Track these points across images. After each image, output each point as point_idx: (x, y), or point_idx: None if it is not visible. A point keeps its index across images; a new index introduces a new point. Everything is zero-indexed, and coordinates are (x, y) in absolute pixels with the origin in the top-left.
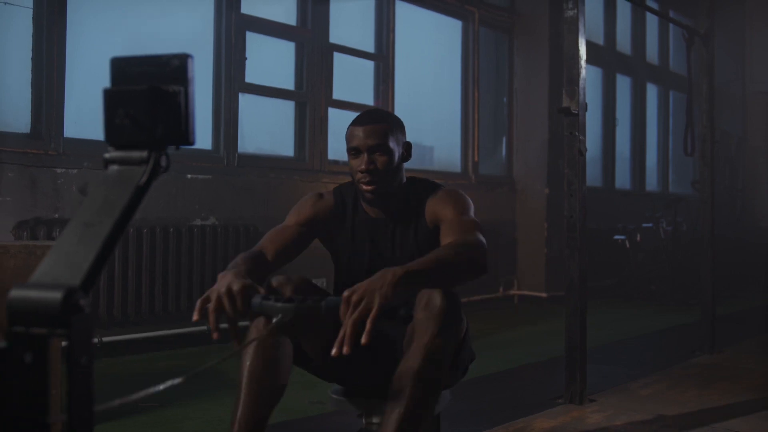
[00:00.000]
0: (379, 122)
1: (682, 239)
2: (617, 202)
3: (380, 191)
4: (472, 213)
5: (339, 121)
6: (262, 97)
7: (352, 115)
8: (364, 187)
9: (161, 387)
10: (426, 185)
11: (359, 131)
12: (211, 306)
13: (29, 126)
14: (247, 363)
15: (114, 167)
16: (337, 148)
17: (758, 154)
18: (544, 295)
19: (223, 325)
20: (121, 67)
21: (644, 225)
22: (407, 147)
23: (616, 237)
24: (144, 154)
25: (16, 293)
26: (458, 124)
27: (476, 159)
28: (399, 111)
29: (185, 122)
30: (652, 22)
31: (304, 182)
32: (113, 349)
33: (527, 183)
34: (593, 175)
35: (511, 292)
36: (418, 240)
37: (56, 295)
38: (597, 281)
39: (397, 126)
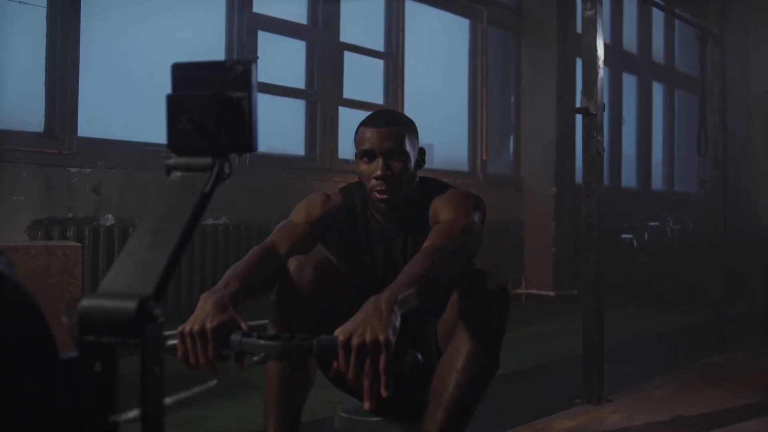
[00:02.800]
0: (394, 124)
1: (687, 238)
2: (623, 201)
3: (394, 200)
4: (475, 216)
5: (349, 120)
6: (273, 96)
7: (363, 114)
8: (378, 195)
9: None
10: (434, 185)
11: (373, 133)
12: (179, 351)
13: (43, 125)
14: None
15: (177, 174)
16: (347, 148)
17: (760, 154)
18: (551, 293)
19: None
20: (183, 73)
21: (651, 224)
22: (422, 153)
23: (624, 236)
24: (208, 160)
25: (87, 303)
26: (466, 122)
27: (484, 158)
28: (408, 109)
29: (249, 129)
30: (658, 20)
31: (314, 181)
32: (124, 349)
33: (534, 182)
34: None
35: (519, 291)
36: None
37: (130, 305)
38: (603, 280)
39: (413, 129)
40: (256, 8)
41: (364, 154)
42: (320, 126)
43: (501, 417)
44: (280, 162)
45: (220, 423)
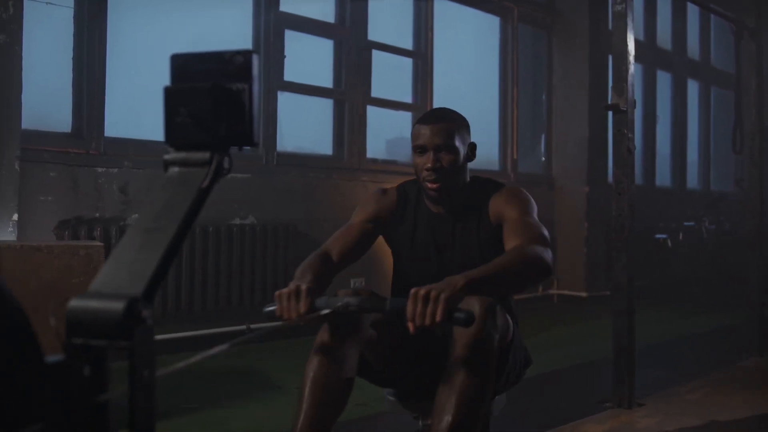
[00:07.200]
0: (445, 121)
1: (723, 238)
2: (658, 201)
3: (444, 189)
4: (535, 213)
5: (377, 119)
6: (301, 95)
7: (391, 113)
8: (429, 185)
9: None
10: (489, 184)
11: (426, 129)
12: (277, 310)
13: (71, 126)
14: (311, 371)
15: (174, 169)
16: (375, 147)
17: None
18: (584, 294)
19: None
20: (182, 64)
21: (686, 224)
22: (472, 147)
23: (658, 236)
24: (206, 155)
25: (75, 303)
26: (497, 121)
27: (515, 156)
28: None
29: (249, 122)
30: (693, 16)
31: (342, 181)
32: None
33: (566, 181)
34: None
35: (551, 292)
36: (480, 237)
37: (118, 306)
38: (636, 281)
39: (463, 125)
40: (283, 7)
41: (417, 149)
42: (348, 125)
43: (528, 420)
44: (307, 161)
45: (244, 423)
